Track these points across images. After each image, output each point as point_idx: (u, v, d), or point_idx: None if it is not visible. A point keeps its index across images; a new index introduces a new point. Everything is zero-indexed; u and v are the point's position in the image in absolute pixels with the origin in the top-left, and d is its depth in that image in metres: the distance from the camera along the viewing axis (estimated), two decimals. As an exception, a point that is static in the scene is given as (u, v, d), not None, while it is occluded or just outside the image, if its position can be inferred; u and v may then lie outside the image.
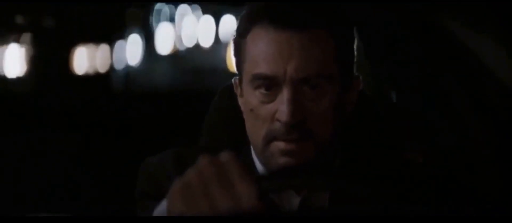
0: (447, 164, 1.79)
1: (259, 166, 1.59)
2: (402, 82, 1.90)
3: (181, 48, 8.79)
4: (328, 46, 1.51)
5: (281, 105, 1.49)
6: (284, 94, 1.49)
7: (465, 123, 1.70)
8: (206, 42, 8.70)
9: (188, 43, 8.78)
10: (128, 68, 7.88)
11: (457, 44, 1.61)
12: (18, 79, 5.67)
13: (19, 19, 5.64)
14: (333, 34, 1.52)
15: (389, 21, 1.78)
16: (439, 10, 1.63)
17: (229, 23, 8.18)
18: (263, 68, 1.50)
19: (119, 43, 7.90)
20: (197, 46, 8.73)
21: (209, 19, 8.57)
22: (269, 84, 1.50)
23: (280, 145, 1.51)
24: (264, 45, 1.51)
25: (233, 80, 1.62)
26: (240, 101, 1.60)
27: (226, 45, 8.07)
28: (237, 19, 1.63)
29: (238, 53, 1.58)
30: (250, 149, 1.61)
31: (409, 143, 1.89)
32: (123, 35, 7.95)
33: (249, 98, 1.54)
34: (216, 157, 1.23)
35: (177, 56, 8.63)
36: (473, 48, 1.59)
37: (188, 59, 8.56)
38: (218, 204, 1.19)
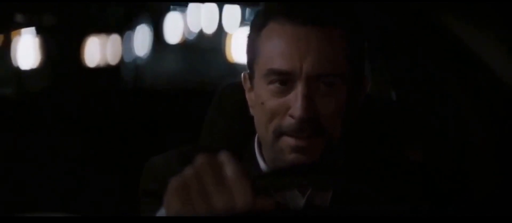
0: (447, 163, 1.79)
1: (262, 164, 1.59)
2: (402, 82, 1.90)
3: (190, 36, 8.77)
4: (343, 44, 1.50)
5: (295, 101, 1.48)
6: (299, 90, 1.48)
7: (465, 123, 1.70)
8: (209, 29, 8.68)
9: (194, 29, 8.77)
10: (137, 59, 7.88)
11: (457, 44, 1.61)
12: (31, 71, 5.68)
13: (30, 11, 5.64)
14: (348, 33, 1.51)
15: (389, 21, 1.78)
16: (439, 10, 1.63)
17: (232, 12, 8.16)
18: (279, 63, 1.49)
19: (128, 34, 7.89)
20: (200, 33, 8.71)
21: (212, 6, 8.54)
22: (283, 79, 1.50)
23: (290, 140, 1.50)
24: (281, 40, 1.50)
25: (242, 74, 1.61)
26: (249, 96, 1.59)
27: (227, 34, 8.04)
28: (241, 8, 1.62)
29: (251, 48, 1.56)
30: (253, 146, 1.61)
31: (409, 143, 1.89)
32: (132, 26, 7.94)
33: (261, 92, 1.53)
34: (213, 156, 1.22)
35: (185, 44, 8.60)
36: (473, 48, 1.59)
37: (194, 47, 8.55)
38: (213, 202, 1.19)
